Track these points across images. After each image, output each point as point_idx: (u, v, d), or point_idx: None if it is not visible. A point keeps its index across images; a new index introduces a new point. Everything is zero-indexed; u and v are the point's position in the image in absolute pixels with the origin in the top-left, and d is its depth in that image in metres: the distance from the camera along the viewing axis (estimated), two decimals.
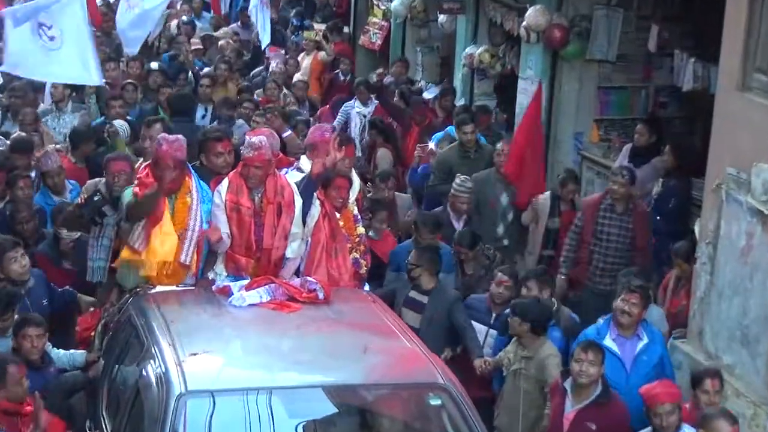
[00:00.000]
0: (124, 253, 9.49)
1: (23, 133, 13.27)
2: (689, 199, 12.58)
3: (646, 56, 14.87)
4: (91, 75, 13.80)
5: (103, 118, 14.35)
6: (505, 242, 12.87)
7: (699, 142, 13.60)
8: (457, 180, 12.34)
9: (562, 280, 11.99)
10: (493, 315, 10.38)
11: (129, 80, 16.16)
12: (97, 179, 11.09)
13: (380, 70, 18.11)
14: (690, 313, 10.71)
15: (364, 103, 16.47)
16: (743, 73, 10.04)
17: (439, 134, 14.97)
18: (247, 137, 9.92)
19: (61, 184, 11.96)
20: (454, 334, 10.22)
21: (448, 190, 12.59)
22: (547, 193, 12.85)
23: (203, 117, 15.68)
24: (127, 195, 9.59)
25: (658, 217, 12.71)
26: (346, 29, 21.49)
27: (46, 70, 14.04)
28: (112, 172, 10.40)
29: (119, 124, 13.59)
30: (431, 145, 14.46)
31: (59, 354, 9.41)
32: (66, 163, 12.53)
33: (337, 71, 19.11)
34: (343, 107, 16.75)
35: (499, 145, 13.15)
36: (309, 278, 9.26)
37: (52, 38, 13.59)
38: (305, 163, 10.62)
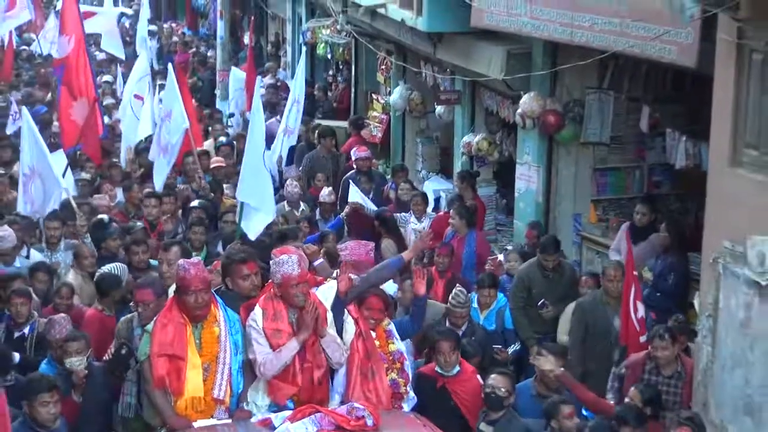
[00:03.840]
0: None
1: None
2: (687, 274, 12.56)
3: (638, 137, 14.87)
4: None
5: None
6: (624, 371, 11.12)
7: (694, 217, 13.60)
8: (452, 298, 11.48)
9: None
10: None
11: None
12: (129, 315, 10.21)
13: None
14: (694, 385, 10.58)
15: (420, 218, 15.35)
16: (733, 149, 10.08)
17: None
18: (279, 257, 9.09)
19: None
20: None
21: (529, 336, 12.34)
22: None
23: None
24: (143, 350, 8.98)
25: (658, 294, 12.64)
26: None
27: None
28: (136, 301, 9.85)
29: (108, 269, 12.07)
30: (500, 257, 13.66)
31: None
32: (92, 312, 11.34)
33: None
34: (398, 219, 15.47)
35: (609, 270, 11.81)
36: (356, 404, 8.56)
37: None
38: None
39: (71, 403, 9.64)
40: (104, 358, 10.06)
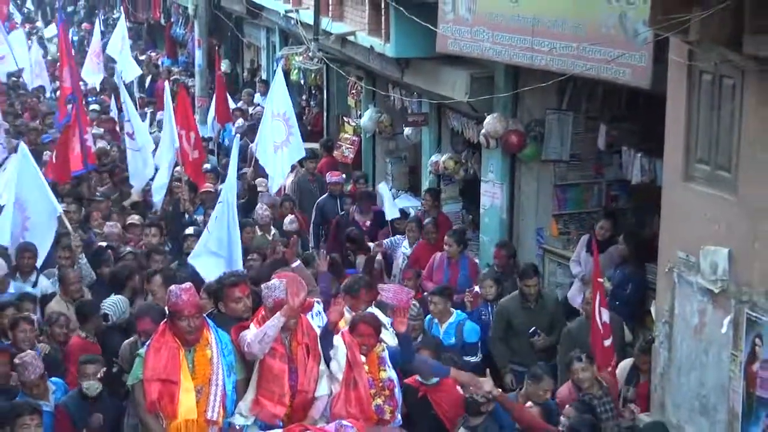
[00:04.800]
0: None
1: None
2: (644, 283, 12.58)
3: (596, 154, 14.91)
4: None
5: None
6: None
7: (650, 230, 13.53)
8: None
9: None
10: None
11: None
12: (132, 338, 10.10)
13: None
14: (651, 387, 10.66)
15: (412, 244, 14.98)
16: (686, 165, 10.13)
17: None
18: (271, 282, 9.09)
19: (42, 392, 9.68)
20: None
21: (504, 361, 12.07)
22: (628, 361, 11.17)
23: None
24: (135, 374, 8.77)
25: (617, 303, 12.56)
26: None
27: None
28: (138, 331, 9.71)
29: (112, 301, 11.71)
30: (476, 288, 13.03)
31: None
32: (75, 340, 11.05)
33: (343, 212, 16.69)
34: (390, 242, 15.49)
35: (587, 293, 11.71)
36: (344, 422, 8.41)
37: None
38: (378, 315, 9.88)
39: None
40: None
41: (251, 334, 8.71)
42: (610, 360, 10.63)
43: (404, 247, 15.06)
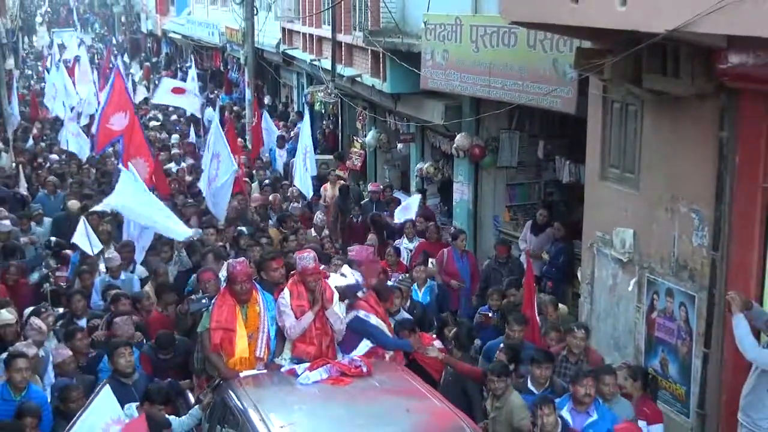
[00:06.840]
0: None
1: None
2: (573, 254, 12.46)
3: (537, 161, 14.84)
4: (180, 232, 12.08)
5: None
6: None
7: (576, 216, 13.09)
8: (399, 279, 10.99)
9: None
10: None
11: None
12: (200, 295, 9.61)
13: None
14: None
15: (411, 240, 13.79)
16: (602, 168, 10.12)
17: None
18: (301, 254, 8.71)
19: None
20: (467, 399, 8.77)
21: None
22: None
23: None
24: (203, 324, 8.60)
25: (553, 269, 12.63)
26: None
27: (148, 219, 12.11)
28: (203, 280, 9.58)
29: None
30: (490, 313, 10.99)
31: (179, 420, 8.35)
32: (155, 314, 10.55)
33: (351, 216, 15.68)
34: (394, 244, 13.74)
35: (562, 307, 10.69)
36: (355, 357, 8.28)
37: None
38: (347, 271, 9.29)
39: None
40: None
41: (289, 322, 8.48)
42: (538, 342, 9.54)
43: (405, 243, 13.75)
